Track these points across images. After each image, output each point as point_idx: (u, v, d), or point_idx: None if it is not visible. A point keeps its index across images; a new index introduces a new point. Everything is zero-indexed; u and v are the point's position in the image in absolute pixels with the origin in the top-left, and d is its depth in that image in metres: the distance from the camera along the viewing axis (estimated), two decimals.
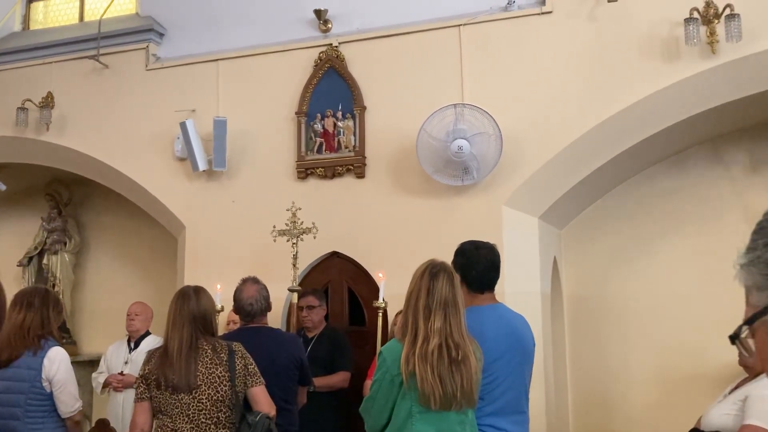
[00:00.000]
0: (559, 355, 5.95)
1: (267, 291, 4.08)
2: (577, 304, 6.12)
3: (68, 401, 3.77)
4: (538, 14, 5.39)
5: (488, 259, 3.10)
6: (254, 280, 4.09)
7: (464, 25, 5.53)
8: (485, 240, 3.24)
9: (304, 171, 5.83)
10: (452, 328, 2.69)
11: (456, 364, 2.67)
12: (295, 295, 5.26)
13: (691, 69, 4.94)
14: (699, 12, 4.85)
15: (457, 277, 2.81)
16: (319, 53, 5.90)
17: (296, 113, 5.90)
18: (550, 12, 5.35)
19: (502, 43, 5.45)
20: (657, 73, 5.02)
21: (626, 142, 5.32)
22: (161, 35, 6.58)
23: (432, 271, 2.77)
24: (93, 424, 5.87)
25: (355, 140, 5.73)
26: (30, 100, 6.69)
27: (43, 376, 3.70)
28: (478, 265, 3.06)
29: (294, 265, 5.27)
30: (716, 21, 4.81)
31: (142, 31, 6.53)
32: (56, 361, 3.73)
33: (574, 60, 5.26)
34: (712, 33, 4.82)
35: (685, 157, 5.94)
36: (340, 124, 5.77)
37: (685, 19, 4.85)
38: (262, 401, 3.33)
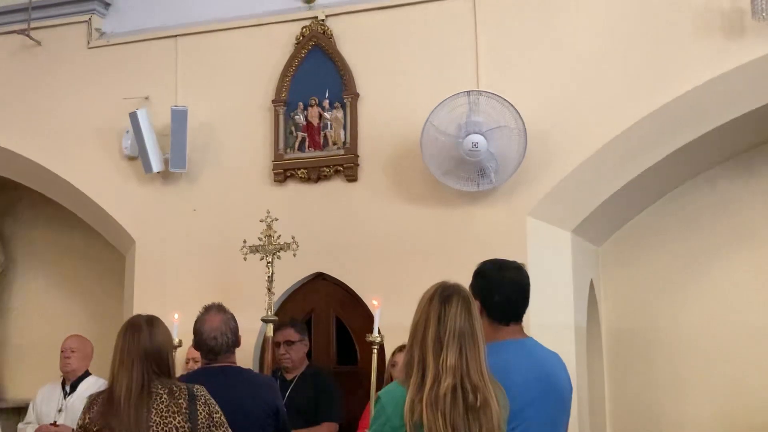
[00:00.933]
0: (597, 401, 5.94)
1: (235, 322, 4.08)
2: (619, 338, 6.12)
3: None
4: None
5: (515, 282, 3.08)
6: (219, 309, 4.10)
7: None
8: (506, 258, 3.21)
9: (283, 173, 5.82)
10: (469, 366, 2.66)
11: (474, 411, 2.63)
12: (271, 327, 5.24)
13: (760, 48, 4.94)
14: None
15: (475, 303, 2.79)
16: (302, 28, 5.91)
17: (273, 102, 5.90)
18: None
19: (528, 15, 5.45)
20: (718, 52, 5.02)
21: (680, 138, 5.33)
22: (107, 5, 6.58)
23: (443, 294, 2.74)
24: None
25: (345, 135, 5.73)
26: None
27: None
28: (502, 289, 3.04)
29: (269, 290, 5.26)
30: None
31: (83, 0, 6.51)
32: None
33: (616, 36, 5.26)
34: None
35: (753, 156, 5.96)
36: (327, 115, 5.78)
37: None
38: None
